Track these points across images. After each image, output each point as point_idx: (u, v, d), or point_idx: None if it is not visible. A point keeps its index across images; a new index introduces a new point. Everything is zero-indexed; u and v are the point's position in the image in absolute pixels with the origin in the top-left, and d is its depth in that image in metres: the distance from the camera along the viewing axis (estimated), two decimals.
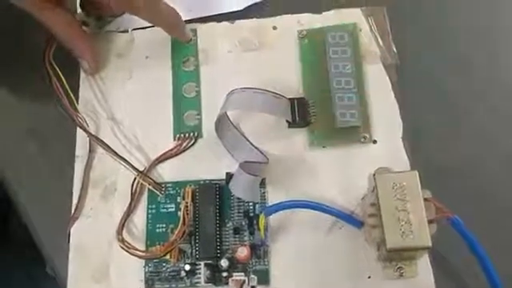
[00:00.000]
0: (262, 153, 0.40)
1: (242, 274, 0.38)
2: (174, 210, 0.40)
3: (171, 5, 0.45)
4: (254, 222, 0.39)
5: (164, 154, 0.41)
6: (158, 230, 0.40)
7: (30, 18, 0.41)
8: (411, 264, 0.37)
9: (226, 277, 0.38)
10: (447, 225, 0.35)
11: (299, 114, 0.41)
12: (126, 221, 0.39)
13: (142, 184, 0.40)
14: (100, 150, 0.42)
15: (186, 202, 0.39)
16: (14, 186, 0.43)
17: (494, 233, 0.37)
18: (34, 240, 0.42)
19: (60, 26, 0.41)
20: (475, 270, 0.35)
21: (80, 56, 0.43)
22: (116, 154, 0.41)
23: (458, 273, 0.38)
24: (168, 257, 0.38)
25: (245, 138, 0.41)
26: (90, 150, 0.42)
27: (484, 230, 0.35)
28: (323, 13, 0.44)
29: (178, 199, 0.40)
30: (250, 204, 0.40)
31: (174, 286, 0.38)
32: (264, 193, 0.40)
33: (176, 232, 0.38)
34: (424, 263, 0.37)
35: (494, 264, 0.35)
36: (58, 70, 0.42)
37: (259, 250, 0.38)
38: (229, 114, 0.40)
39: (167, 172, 0.41)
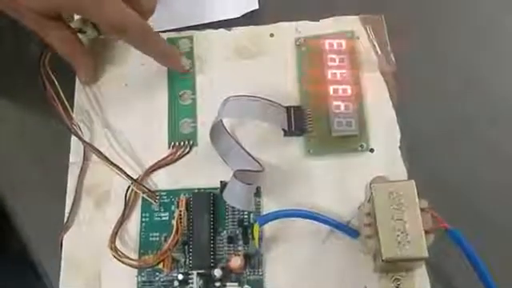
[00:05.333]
0: (257, 161, 0.40)
1: (236, 284, 0.37)
2: (167, 218, 0.40)
3: (168, 12, 0.45)
4: (249, 231, 0.38)
5: (158, 162, 0.41)
6: (151, 239, 0.39)
7: (26, 28, 0.41)
8: (408, 275, 0.37)
9: (219, 287, 0.37)
10: (445, 236, 0.34)
11: (295, 122, 0.41)
12: (119, 229, 0.39)
13: (135, 192, 0.40)
14: (94, 158, 0.41)
15: (180, 211, 0.38)
16: (8, 196, 0.43)
17: (493, 244, 0.37)
18: (27, 249, 0.41)
19: (59, 42, 0.41)
20: (473, 281, 0.34)
21: (78, 70, 0.43)
22: (110, 161, 0.41)
23: (456, 285, 0.37)
24: (161, 266, 0.37)
25: (240, 146, 0.40)
26: (84, 158, 0.42)
27: (482, 242, 0.34)
28: (321, 20, 0.44)
29: (172, 208, 0.40)
30: (245, 213, 0.39)
31: None
32: (259, 202, 0.39)
33: (169, 241, 0.37)
34: (421, 275, 0.37)
35: (493, 275, 0.34)
36: (53, 77, 0.42)
37: (253, 260, 0.38)
38: (224, 121, 0.40)
39: (161, 180, 0.41)
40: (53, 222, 0.40)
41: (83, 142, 0.41)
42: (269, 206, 0.39)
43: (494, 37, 0.44)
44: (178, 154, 0.41)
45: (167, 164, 0.41)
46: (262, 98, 0.39)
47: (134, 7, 0.39)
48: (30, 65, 0.42)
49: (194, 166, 0.41)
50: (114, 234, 0.39)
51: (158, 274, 0.38)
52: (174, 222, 0.38)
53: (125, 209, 0.40)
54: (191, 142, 0.41)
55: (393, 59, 0.42)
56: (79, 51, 0.43)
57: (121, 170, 0.40)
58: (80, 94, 0.44)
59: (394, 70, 0.42)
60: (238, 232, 0.39)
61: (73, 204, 0.40)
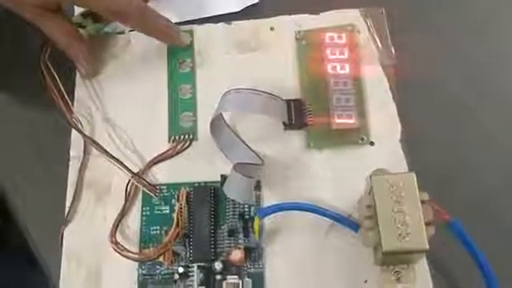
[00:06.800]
0: (258, 154, 0.39)
1: (236, 277, 0.37)
2: (168, 212, 0.40)
3: (168, 6, 0.45)
4: (249, 224, 0.38)
5: (159, 155, 0.41)
6: (152, 232, 0.39)
7: (27, 21, 0.41)
8: (409, 268, 0.36)
9: (219, 280, 0.37)
10: (446, 228, 0.34)
11: (295, 115, 0.41)
12: (119, 223, 0.39)
13: (136, 186, 0.40)
14: (95, 152, 0.41)
15: (181, 204, 0.38)
16: (8, 190, 0.43)
17: (493, 237, 0.37)
18: (28, 243, 0.41)
19: (58, 33, 0.41)
20: (474, 273, 0.34)
21: (77, 62, 0.43)
22: (111, 155, 0.41)
23: (456, 277, 0.37)
24: (161, 259, 0.38)
25: (240, 139, 0.40)
26: (84, 152, 0.42)
27: (483, 234, 0.34)
28: (321, 13, 0.44)
29: (173, 201, 0.40)
30: (246, 206, 0.39)
31: None
32: (259, 195, 0.39)
33: (170, 234, 0.37)
34: (422, 267, 0.37)
35: (493, 268, 0.34)
36: (53, 71, 0.42)
37: (254, 253, 0.38)
38: (224, 115, 0.40)
39: (162, 174, 0.41)
40: (53, 216, 0.40)
41: (84, 135, 0.41)
42: (269, 199, 0.39)
43: (495, 29, 0.44)
44: (179, 147, 0.41)
45: (167, 158, 0.41)
46: (263, 92, 0.39)
47: None
48: (31, 59, 0.42)
49: (195, 160, 0.41)
50: (115, 227, 0.39)
51: (158, 267, 0.38)
52: (174, 216, 0.38)
53: (125, 202, 0.40)
54: (191, 136, 0.41)
55: (393, 52, 0.42)
56: (78, 43, 0.43)
57: (121, 163, 0.40)
58: (80, 88, 0.44)
59: (395, 63, 0.42)
60: (238, 225, 0.39)
61: (73, 198, 0.40)
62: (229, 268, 0.38)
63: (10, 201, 0.42)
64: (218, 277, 0.37)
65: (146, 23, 0.42)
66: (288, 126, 0.41)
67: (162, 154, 0.41)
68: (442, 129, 0.41)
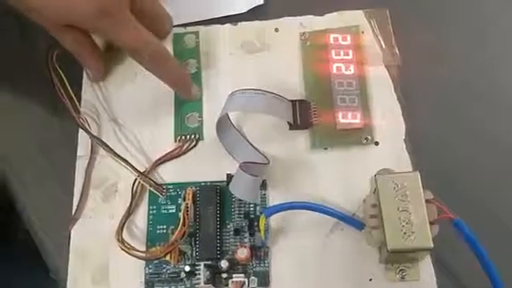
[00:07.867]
0: (263, 154, 0.40)
1: (242, 275, 0.38)
2: (174, 211, 0.40)
3: (174, 8, 0.45)
4: (255, 223, 0.39)
5: (165, 155, 0.41)
6: (158, 232, 0.40)
7: (34, 22, 0.41)
8: (413, 266, 0.37)
9: (225, 278, 0.38)
10: (450, 227, 0.34)
11: (301, 115, 0.41)
12: (125, 222, 0.39)
13: (142, 185, 0.40)
14: (101, 152, 0.42)
15: (187, 203, 0.39)
16: (16, 189, 0.43)
17: (496, 235, 0.37)
18: (35, 242, 0.42)
19: (72, 43, 0.41)
20: (478, 272, 0.35)
21: (88, 70, 0.44)
22: (117, 155, 0.41)
23: (460, 275, 0.37)
24: (168, 258, 0.38)
25: (246, 139, 0.41)
26: (91, 152, 0.42)
27: (486, 232, 0.34)
28: (326, 15, 0.44)
29: (179, 200, 0.40)
30: (251, 205, 0.39)
31: (173, 287, 0.38)
32: (265, 194, 0.40)
33: (176, 233, 0.37)
34: (426, 266, 0.37)
35: (497, 266, 0.34)
36: (60, 72, 0.42)
37: (260, 252, 0.38)
38: (230, 115, 0.40)
39: (168, 173, 0.41)
40: (61, 215, 0.41)
41: (90, 135, 0.42)
42: (274, 198, 0.39)
43: (497, 30, 0.44)
44: (185, 147, 0.42)
45: (174, 157, 0.41)
46: (268, 92, 0.39)
47: (151, 28, 0.40)
48: (39, 59, 0.42)
49: (201, 160, 0.41)
50: (121, 226, 0.39)
51: (165, 265, 0.39)
52: (180, 215, 0.38)
53: (131, 201, 0.40)
54: (197, 136, 0.42)
55: (397, 53, 0.43)
56: (91, 54, 0.43)
57: (128, 163, 0.40)
58: (87, 88, 0.44)
59: (399, 64, 0.42)
60: (244, 224, 0.39)
61: (81, 197, 0.41)
62: (235, 266, 0.38)
63: (17, 200, 0.42)
64: (224, 275, 0.38)
65: (157, 67, 0.41)
66: (293, 126, 0.41)
67: (169, 153, 0.41)
68: (445, 128, 0.41)
